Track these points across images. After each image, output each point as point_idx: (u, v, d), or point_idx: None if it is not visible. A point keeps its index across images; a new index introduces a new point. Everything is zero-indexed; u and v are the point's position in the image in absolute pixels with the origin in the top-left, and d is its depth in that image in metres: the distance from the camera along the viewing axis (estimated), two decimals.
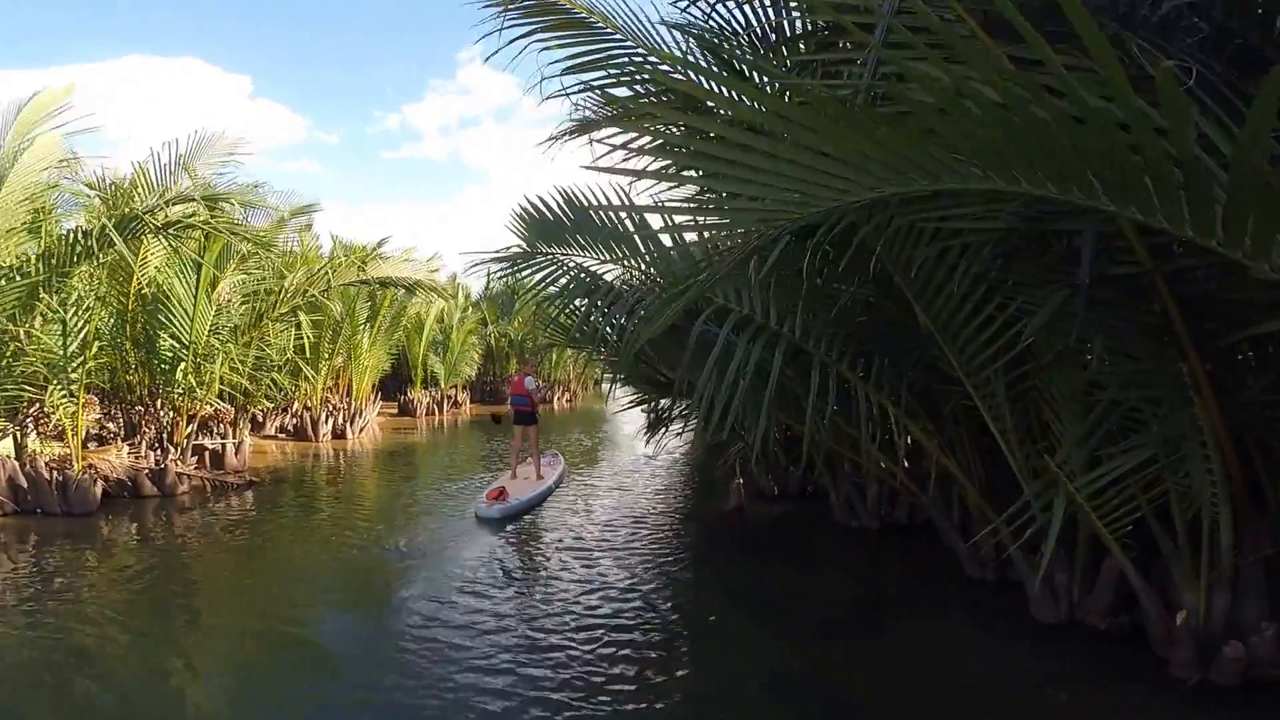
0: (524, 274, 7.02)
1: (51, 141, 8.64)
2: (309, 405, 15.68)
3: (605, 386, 34.75)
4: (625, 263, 6.14)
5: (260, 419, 15.56)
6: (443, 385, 23.36)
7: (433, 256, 21.34)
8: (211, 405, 10.10)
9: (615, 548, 7.29)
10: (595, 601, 5.69)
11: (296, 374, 15.00)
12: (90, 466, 8.33)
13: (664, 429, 9.13)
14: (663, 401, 9.17)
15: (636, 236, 6.04)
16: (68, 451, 8.49)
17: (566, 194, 6.45)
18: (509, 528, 7.99)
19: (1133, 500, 4.43)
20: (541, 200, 6.50)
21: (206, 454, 11.01)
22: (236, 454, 11.25)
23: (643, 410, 9.91)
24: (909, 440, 6.43)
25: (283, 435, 15.78)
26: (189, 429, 9.90)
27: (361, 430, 16.39)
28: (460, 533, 7.78)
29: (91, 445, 9.38)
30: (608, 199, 6.36)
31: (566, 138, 7.00)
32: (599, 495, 9.87)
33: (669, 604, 5.83)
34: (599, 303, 6.81)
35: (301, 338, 14.38)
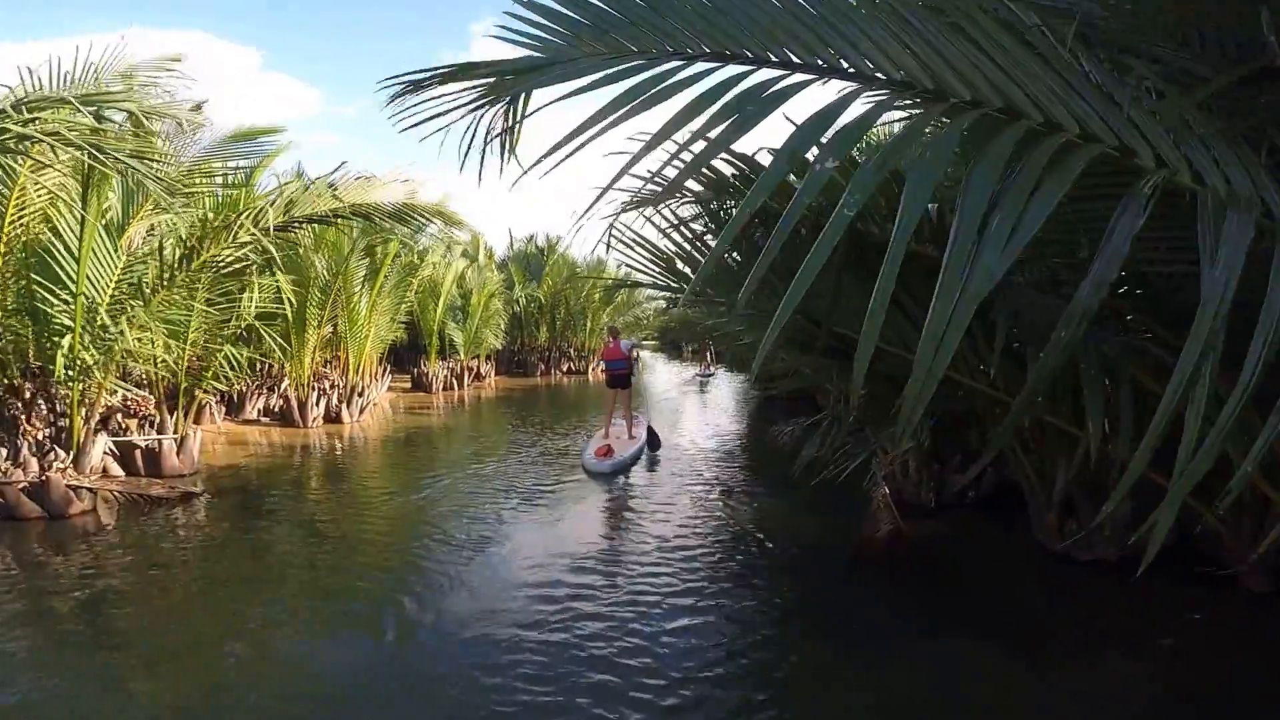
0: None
1: None
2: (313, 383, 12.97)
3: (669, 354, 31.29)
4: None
5: (238, 400, 12.92)
6: (463, 356, 20.62)
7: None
8: (120, 390, 7.32)
9: (726, 609, 4.45)
10: None
11: (283, 346, 12.30)
12: None
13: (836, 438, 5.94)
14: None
15: None
16: None
17: None
18: (574, 573, 5.03)
19: None
20: None
21: (138, 454, 8.32)
22: (179, 452, 8.54)
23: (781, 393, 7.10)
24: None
25: (267, 420, 13.11)
26: (84, 425, 7.14)
27: (362, 411, 13.64)
28: (499, 581, 4.91)
29: None
30: None
31: None
32: (698, 512, 6.85)
33: None
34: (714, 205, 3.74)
35: (276, 299, 11.68)
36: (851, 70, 1.90)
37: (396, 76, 2.52)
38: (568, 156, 1.91)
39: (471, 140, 2.75)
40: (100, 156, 5.04)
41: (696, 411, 15.88)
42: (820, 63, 1.90)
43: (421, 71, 2.49)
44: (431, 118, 2.46)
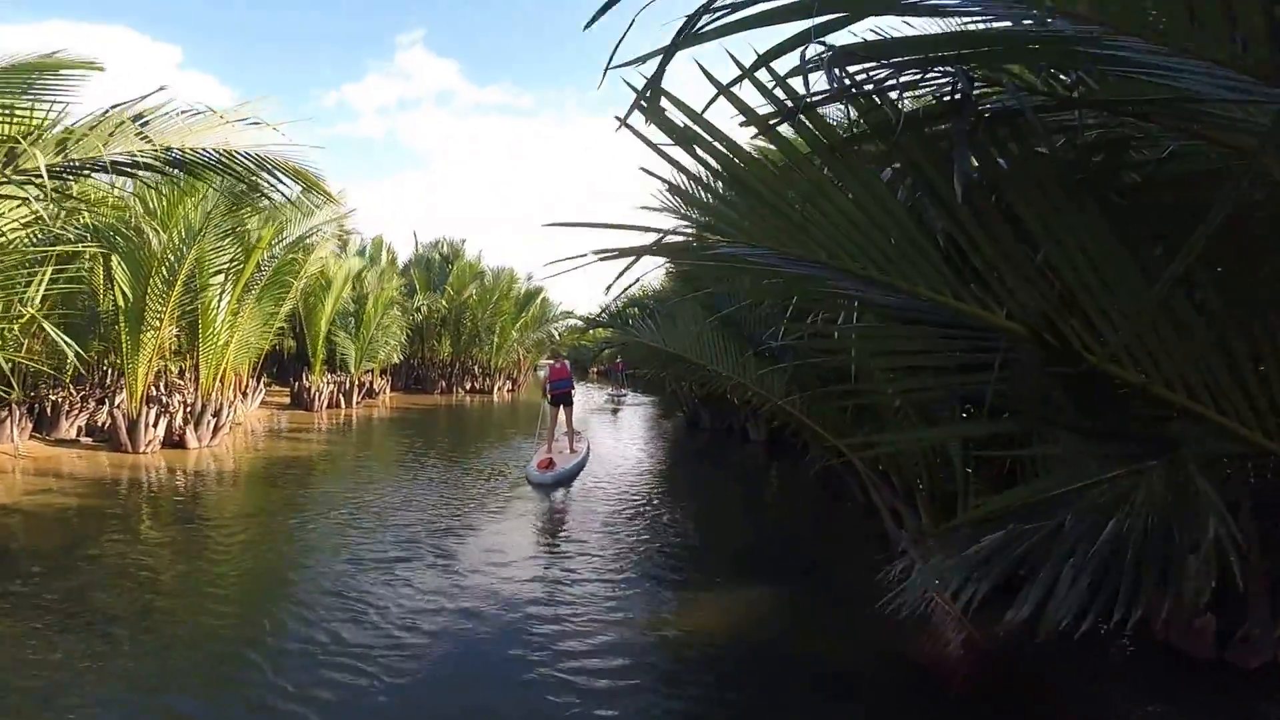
0: None
1: None
2: (155, 397, 10.25)
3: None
4: None
5: (50, 414, 10.14)
6: (353, 370, 18.02)
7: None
8: None
9: None
10: None
11: (78, 351, 9.71)
12: None
13: None
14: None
15: None
16: None
17: None
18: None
19: None
20: None
21: None
22: None
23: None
24: None
25: (89, 440, 10.35)
26: None
27: (215, 433, 10.97)
28: None
29: None
30: None
31: None
32: (664, 602, 4.85)
33: None
34: None
35: (105, 289, 9.17)
36: None
37: None
38: None
39: None
40: None
41: (629, 442, 13.92)
42: None
43: None
44: None
